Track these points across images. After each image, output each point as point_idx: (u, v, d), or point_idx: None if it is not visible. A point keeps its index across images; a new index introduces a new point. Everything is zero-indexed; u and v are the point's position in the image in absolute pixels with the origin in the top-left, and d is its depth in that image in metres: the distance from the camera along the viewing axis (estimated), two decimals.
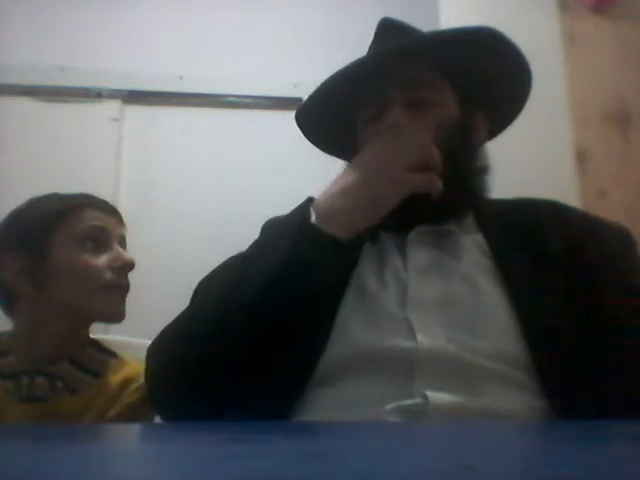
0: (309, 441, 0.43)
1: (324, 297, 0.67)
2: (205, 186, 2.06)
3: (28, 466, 0.31)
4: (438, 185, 0.70)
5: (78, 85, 2.09)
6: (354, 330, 0.67)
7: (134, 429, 0.52)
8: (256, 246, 0.77)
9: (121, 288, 0.97)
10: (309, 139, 0.94)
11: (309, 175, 2.01)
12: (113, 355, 0.98)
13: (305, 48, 2.15)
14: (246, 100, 2.14)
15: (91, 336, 1.00)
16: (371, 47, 0.87)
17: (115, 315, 0.96)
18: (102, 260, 0.95)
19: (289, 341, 0.64)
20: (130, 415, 0.89)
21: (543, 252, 0.72)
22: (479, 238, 0.76)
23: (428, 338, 0.64)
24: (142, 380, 0.91)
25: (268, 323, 0.63)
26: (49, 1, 2.13)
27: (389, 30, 0.86)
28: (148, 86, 2.13)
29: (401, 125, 0.77)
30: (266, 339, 0.63)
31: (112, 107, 2.10)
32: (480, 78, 0.84)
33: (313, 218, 0.68)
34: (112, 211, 1.03)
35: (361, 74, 0.81)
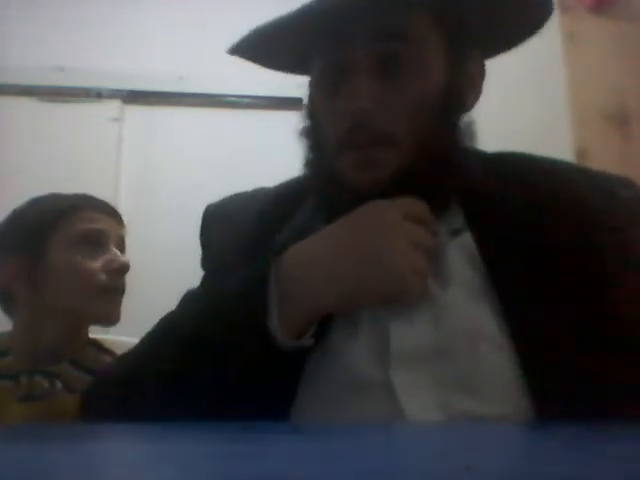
0: (309, 441, 0.43)
1: (277, 391, 0.57)
2: (205, 186, 2.05)
3: (28, 466, 0.31)
4: (422, 297, 0.57)
5: (78, 85, 2.08)
6: (324, 404, 0.57)
7: (134, 429, 0.52)
8: (205, 322, 0.61)
9: (116, 291, 0.97)
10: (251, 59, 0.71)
11: None
12: (113, 355, 0.98)
13: None
14: (246, 100, 2.14)
15: (91, 336, 1.00)
16: None
17: (110, 318, 0.96)
18: (98, 263, 0.95)
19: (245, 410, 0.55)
20: None
21: (550, 262, 0.58)
22: (468, 240, 0.61)
23: (416, 407, 0.54)
24: None
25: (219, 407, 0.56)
26: (49, 1, 2.13)
27: None
28: (148, 86, 2.13)
29: (368, 113, 0.59)
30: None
31: (112, 107, 2.10)
32: (473, 6, 0.65)
33: (272, 292, 0.56)
34: (111, 212, 1.03)
35: (318, 14, 0.60)
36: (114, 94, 2.11)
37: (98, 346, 0.99)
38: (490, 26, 0.66)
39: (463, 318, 0.57)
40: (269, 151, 2.08)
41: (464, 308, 0.57)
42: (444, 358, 0.55)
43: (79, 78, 2.09)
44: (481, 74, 0.68)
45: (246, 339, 0.56)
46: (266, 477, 0.27)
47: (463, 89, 0.65)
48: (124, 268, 0.97)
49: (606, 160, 1.87)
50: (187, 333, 0.60)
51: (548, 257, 0.58)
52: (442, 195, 0.63)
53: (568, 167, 0.71)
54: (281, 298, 0.55)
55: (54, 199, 0.98)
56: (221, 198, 0.80)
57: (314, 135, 0.66)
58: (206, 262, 0.76)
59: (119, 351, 1.00)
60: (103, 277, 0.95)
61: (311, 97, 0.68)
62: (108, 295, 0.95)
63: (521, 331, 0.55)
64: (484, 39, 0.67)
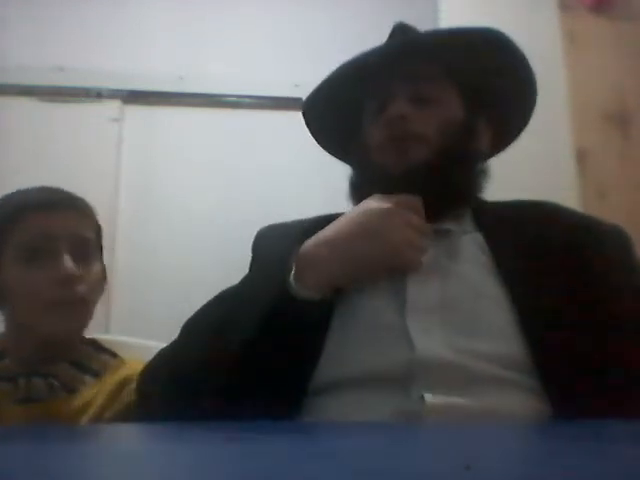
0: (309, 441, 0.43)
1: (307, 340, 0.67)
2: (205, 186, 2.06)
3: (28, 466, 0.31)
4: (421, 266, 0.70)
5: (78, 85, 2.08)
6: (351, 344, 0.67)
7: (134, 429, 0.52)
8: (241, 297, 0.75)
9: (65, 304, 0.85)
10: (314, 135, 0.93)
11: (309, 175, 2.02)
12: (113, 355, 0.98)
13: (305, 48, 2.15)
14: (246, 100, 2.14)
15: (88, 336, 0.99)
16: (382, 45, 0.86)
17: (64, 333, 0.88)
18: (45, 275, 0.85)
19: (276, 370, 0.65)
20: (128, 415, 0.89)
21: (542, 251, 0.71)
22: (478, 237, 0.75)
23: (427, 346, 0.64)
24: None
25: (253, 370, 0.65)
26: (49, 1, 2.13)
27: (401, 30, 0.85)
28: (148, 86, 2.13)
29: (405, 118, 0.77)
30: (253, 377, 0.65)
31: (112, 107, 2.10)
32: (485, 82, 0.83)
33: (292, 273, 0.68)
34: (65, 207, 0.90)
35: (366, 67, 0.81)
36: (114, 94, 2.11)
37: (96, 345, 0.98)
38: (493, 104, 0.84)
39: (467, 281, 0.69)
40: (269, 151, 2.08)
41: (469, 275, 0.70)
42: (451, 309, 0.67)
43: (79, 78, 2.09)
44: (488, 140, 0.84)
45: (273, 300, 0.67)
46: (266, 477, 0.27)
47: (477, 130, 0.82)
48: (70, 279, 0.85)
49: (606, 160, 1.87)
50: (222, 312, 0.72)
51: (542, 251, 0.71)
52: (457, 193, 0.79)
53: (565, 207, 0.84)
54: (298, 272, 0.67)
55: (1, 208, 0.90)
56: (269, 224, 0.92)
57: (362, 147, 0.83)
58: (252, 266, 0.88)
59: (119, 351, 1.01)
60: (50, 291, 0.84)
61: (361, 131, 0.85)
62: (56, 310, 0.85)
63: (518, 293, 0.67)
64: (490, 115, 0.84)
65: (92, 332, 1.03)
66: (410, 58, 0.81)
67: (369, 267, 0.69)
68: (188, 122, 2.13)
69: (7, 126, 2.02)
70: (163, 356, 0.76)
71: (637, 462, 0.30)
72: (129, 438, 0.48)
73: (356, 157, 0.86)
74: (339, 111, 0.89)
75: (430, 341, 0.64)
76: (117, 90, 2.11)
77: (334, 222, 0.71)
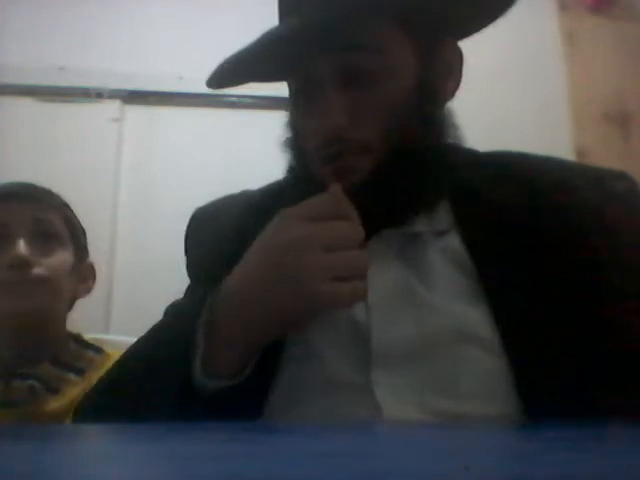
0: (309, 441, 0.43)
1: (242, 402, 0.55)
2: (205, 186, 2.06)
3: (28, 466, 0.31)
4: (363, 296, 0.53)
5: (78, 85, 2.09)
6: (309, 406, 0.57)
7: (133, 429, 0.52)
8: (149, 357, 0.61)
9: (10, 286, 0.88)
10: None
11: None
12: (98, 350, 0.95)
13: None
14: (246, 100, 2.14)
15: (71, 332, 0.97)
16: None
17: (21, 312, 0.88)
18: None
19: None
20: None
21: (539, 257, 0.57)
22: (455, 241, 0.60)
23: (397, 411, 0.53)
24: None
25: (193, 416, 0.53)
26: (49, 1, 2.13)
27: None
28: (148, 86, 2.13)
29: (341, 131, 0.59)
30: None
31: (112, 107, 2.10)
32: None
33: (199, 354, 0.54)
34: (19, 197, 0.92)
35: (281, 42, 0.62)
36: (114, 94, 2.11)
37: (80, 341, 0.96)
38: (458, 12, 0.65)
39: (447, 318, 0.56)
40: (269, 151, 2.07)
41: (448, 308, 0.56)
42: (426, 358, 0.55)
43: (79, 78, 2.09)
44: (458, 59, 0.66)
45: (169, 381, 0.54)
46: (266, 477, 0.27)
47: (439, 80, 0.64)
48: (21, 261, 0.87)
49: (606, 160, 1.87)
50: (136, 361, 0.61)
51: (538, 258, 0.57)
52: (423, 194, 0.62)
53: (560, 164, 0.70)
54: (208, 342, 0.54)
55: None
56: (209, 201, 0.79)
57: (295, 145, 0.69)
58: (188, 269, 0.76)
59: (120, 351, 1.00)
60: (3, 272, 0.88)
61: (290, 113, 0.71)
62: (7, 289, 0.88)
63: (509, 331, 0.54)
64: (454, 25, 0.65)
65: (92, 332, 1.03)
66: (334, 27, 0.60)
67: (291, 320, 0.54)
68: (188, 122, 2.13)
69: (7, 126, 2.02)
70: (98, 391, 0.65)
71: (635, 462, 0.30)
72: (128, 438, 0.47)
73: (290, 156, 0.71)
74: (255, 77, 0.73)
75: (401, 404, 0.54)
76: (117, 90, 2.11)
77: (245, 259, 0.56)
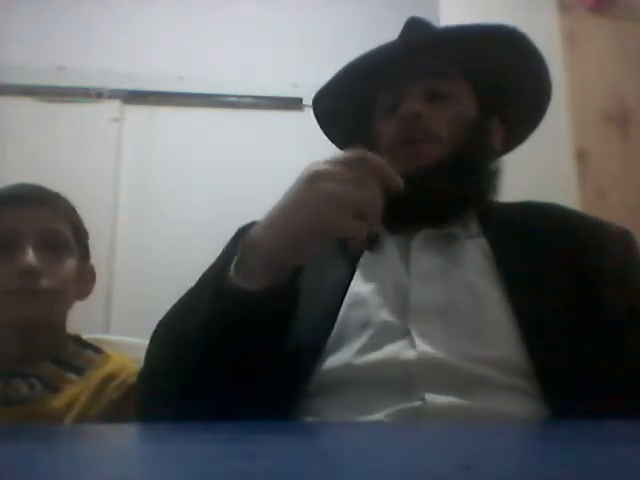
0: (309, 441, 0.43)
1: (268, 333, 0.63)
2: (205, 186, 2.06)
3: (28, 466, 0.31)
4: (364, 235, 0.60)
5: (78, 85, 2.09)
6: (353, 342, 0.67)
7: (133, 429, 0.52)
8: (190, 296, 0.72)
9: (23, 293, 0.88)
10: (323, 128, 0.92)
11: None
12: (97, 351, 0.96)
13: (305, 48, 2.15)
14: (246, 100, 2.14)
15: (72, 333, 0.98)
16: (395, 40, 0.85)
17: (26, 320, 0.89)
18: (6, 267, 0.88)
19: (263, 370, 0.63)
20: (113, 412, 0.88)
21: (546, 256, 0.72)
22: (483, 242, 0.75)
23: (428, 348, 0.64)
24: (124, 376, 0.90)
25: (225, 370, 0.62)
26: (49, 1, 2.13)
27: (414, 26, 0.84)
28: (148, 86, 2.13)
29: (419, 116, 0.76)
30: (236, 380, 0.62)
31: (112, 107, 2.10)
32: (500, 80, 0.83)
33: (234, 264, 0.62)
34: (28, 202, 0.92)
35: (381, 63, 0.81)
36: (114, 94, 2.11)
37: (80, 341, 0.97)
38: (507, 104, 0.84)
39: (471, 287, 0.69)
40: (269, 151, 2.08)
41: (472, 281, 0.70)
42: (453, 314, 0.68)
43: (79, 78, 2.09)
44: (500, 141, 0.84)
45: (212, 300, 0.63)
46: (266, 477, 0.27)
47: (491, 129, 0.83)
48: (29, 271, 0.87)
49: (606, 160, 1.87)
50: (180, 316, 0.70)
51: (546, 257, 0.72)
52: (468, 194, 0.78)
53: (572, 209, 0.84)
54: (239, 262, 0.62)
55: None
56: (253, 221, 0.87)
57: (372, 146, 0.76)
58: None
59: (119, 351, 1.00)
60: (7, 281, 0.87)
61: (373, 128, 0.84)
62: (13, 298, 0.87)
63: (519, 300, 0.68)
64: (503, 116, 0.84)
65: (92, 332, 1.03)
66: (426, 54, 0.80)
67: (306, 241, 0.61)
68: (188, 122, 2.13)
69: (7, 126, 2.02)
70: (146, 364, 0.73)
71: (637, 462, 0.30)
72: (129, 438, 0.48)
73: None
74: (350, 106, 0.88)
75: (431, 345, 0.64)
76: (117, 90, 2.11)
77: (278, 201, 0.65)
